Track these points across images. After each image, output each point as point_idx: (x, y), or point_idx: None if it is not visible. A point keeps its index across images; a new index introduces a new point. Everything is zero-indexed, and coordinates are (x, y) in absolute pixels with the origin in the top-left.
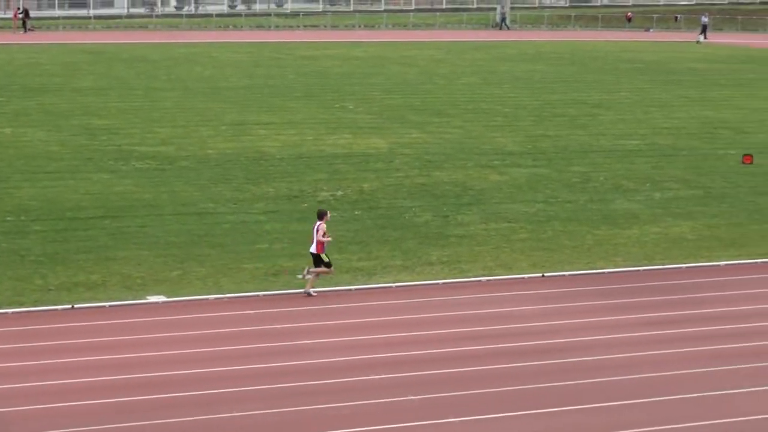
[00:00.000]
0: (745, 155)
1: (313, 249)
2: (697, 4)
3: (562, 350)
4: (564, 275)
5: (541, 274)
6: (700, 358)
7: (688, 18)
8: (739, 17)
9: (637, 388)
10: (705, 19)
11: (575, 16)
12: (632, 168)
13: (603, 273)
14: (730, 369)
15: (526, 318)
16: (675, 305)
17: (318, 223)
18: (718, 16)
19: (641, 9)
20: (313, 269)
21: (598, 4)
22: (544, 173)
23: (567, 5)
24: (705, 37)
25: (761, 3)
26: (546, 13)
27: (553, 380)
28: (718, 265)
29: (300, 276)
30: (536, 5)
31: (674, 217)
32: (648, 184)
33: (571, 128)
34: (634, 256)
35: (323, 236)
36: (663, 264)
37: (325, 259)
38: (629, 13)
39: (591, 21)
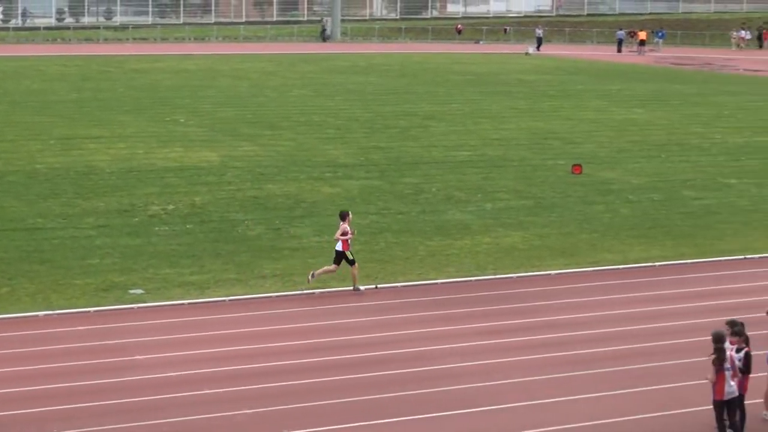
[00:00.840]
0: (574, 165)
1: (339, 247)
2: (525, 17)
3: (396, 361)
4: (397, 286)
5: (374, 286)
6: (533, 366)
7: (518, 30)
8: (567, 29)
9: (472, 397)
10: (539, 32)
11: (405, 28)
12: (464, 179)
13: (436, 284)
14: (563, 376)
15: (360, 330)
16: (507, 315)
17: (343, 223)
18: (546, 28)
19: (471, 21)
20: (326, 269)
21: (428, 16)
22: (376, 185)
23: (397, 17)
24: (539, 49)
25: (588, 15)
26: (377, 25)
27: (388, 391)
28: (549, 274)
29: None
30: (367, 18)
31: (505, 227)
32: (479, 195)
33: (403, 140)
34: (466, 266)
35: (342, 234)
36: (495, 274)
37: (350, 257)
38: (459, 25)
39: (421, 33)
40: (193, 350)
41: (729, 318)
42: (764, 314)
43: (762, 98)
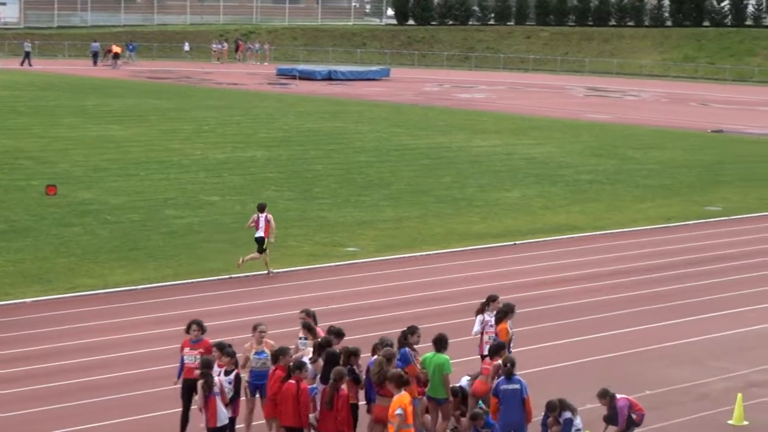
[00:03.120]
0: (48, 186)
1: (261, 234)
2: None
3: None
4: None
5: None
6: (5, 400)
7: None
8: (37, 42)
9: None
10: (27, 45)
11: None
12: None
13: None
14: (39, 410)
15: None
16: None
17: (264, 214)
18: (17, 41)
19: None
20: (250, 256)
21: None
22: None
23: None
24: (30, 64)
25: (59, 27)
26: None
27: None
28: (25, 302)
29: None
30: None
31: None
32: None
33: None
34: None
35: (268, 222)
36: None
37: (265, 245)
38: None
39: None
40: None
41: (216, 341)
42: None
43: (241, 112)
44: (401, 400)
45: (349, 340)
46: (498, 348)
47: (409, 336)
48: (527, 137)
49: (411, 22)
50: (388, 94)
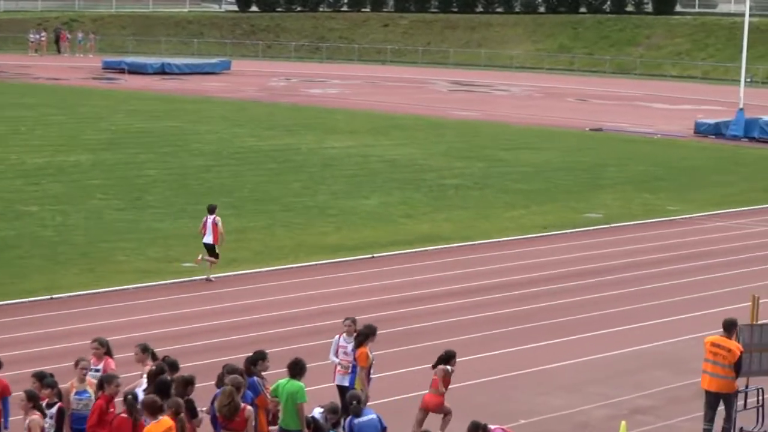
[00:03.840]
0: None
1: (209, 240)
2: None
3: None
4: None
5: None
6: None
7: None
8: None
9: None
10: None
11: None
12: None
13: None
14: None
15: None
16: None
17: (213, 216)
18: None
19: None
20: (207, 257)
21: None
22: None
23: None
24: None
25: None
26: None
27: None
28: None
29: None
30: None
31: None
32: None
33: None
34: None
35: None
36: None
37: (217, 250)
38: None
39: None
40: None
41: (36, 370)
42: (73, 365)
43: (63, 111)
44: (156, 430)
45: (186, 368)
46: (449, 356)
47: (259, 362)
48: (386, 138)
49: (254, 8)
50: (228, 90)
